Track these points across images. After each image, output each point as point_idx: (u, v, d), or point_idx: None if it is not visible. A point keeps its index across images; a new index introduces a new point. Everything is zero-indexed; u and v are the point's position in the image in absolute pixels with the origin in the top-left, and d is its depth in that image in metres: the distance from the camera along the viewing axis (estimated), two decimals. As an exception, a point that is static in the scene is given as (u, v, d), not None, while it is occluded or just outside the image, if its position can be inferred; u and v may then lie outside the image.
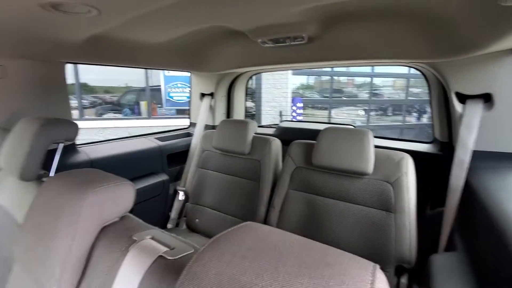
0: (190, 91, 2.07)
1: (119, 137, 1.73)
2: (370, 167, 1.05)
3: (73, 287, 0.48)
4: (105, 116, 8.14)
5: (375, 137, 1.28)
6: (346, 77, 10.68)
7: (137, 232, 0.51)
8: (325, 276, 0.28)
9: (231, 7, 0.94)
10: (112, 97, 8.58)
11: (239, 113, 2.19)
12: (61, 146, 1.00)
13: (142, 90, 8.15)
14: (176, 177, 1.82)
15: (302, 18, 1.03)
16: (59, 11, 0.79)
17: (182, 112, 7.57)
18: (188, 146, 1.87)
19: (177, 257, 0.45)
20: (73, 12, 0.80)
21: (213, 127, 2.02)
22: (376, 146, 1.11)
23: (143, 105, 8.06)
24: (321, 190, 1.17)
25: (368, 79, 10.37)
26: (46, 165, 0.94)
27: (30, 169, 0.83)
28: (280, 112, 7.12)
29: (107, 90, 8.55)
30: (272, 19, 1.05)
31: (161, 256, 0.46)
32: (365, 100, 10.35)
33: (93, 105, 8.21)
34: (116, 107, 8.47)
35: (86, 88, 7.98)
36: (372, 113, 10.35)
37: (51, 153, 0.97)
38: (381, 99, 10.58)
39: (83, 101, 7.48)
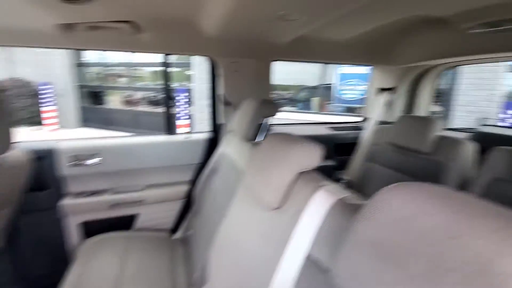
0: (368, 86, 2.08)
1: (299, 122, 2.06)
2: None
3: (278, 203, 0.70)
4: (283, 109, 9.58)
5: None
6: None
7: (323, 181, 0.66)
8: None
9: None
10: (288, 94, 9.93)
11: (421, 112, 1.96)
12: (267, 120, 1.36)
13: (314, 88, 8.88)
14: (340, 166, 1.93)
15: None
16: (280, 20, 1.06)
17: (351, 110, 7.52)
18: (355, 139, 1.92)
19: (355, 202, 0.56)
20: (289, 19, 1.05)
21: (387, 122, 1.94)
22: None
23: (315, 101, 8.76)
24: None
25: None
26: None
27: (249, 134, 1.21)
28: (481, 118, 5.47)
29: (285, 88, 9.96)
30: None
31: (341, 199, 0.58)
32: None
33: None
34: (292, 102, 9.74)
35: (270, 86, 9.69)
36: None
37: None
38: None
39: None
